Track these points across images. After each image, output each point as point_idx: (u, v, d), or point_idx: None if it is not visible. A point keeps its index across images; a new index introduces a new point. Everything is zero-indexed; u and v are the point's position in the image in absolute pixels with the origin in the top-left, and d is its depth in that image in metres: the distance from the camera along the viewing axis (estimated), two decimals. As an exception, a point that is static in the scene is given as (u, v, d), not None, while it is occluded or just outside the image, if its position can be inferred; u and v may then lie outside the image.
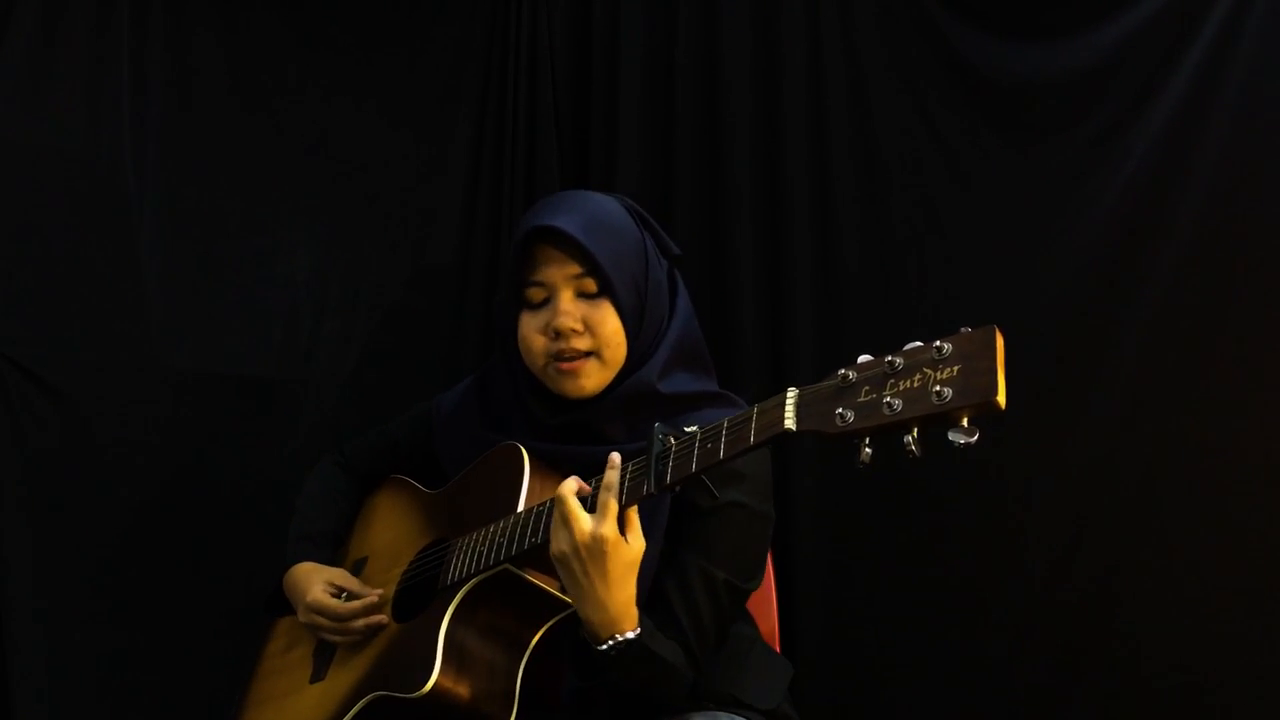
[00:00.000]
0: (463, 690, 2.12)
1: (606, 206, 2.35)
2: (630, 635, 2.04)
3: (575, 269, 2.26)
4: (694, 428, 1.93)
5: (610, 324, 2.25)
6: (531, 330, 2.29)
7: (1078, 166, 2.91)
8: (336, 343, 3.25)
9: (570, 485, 2.03)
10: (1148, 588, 2.80)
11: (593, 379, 2.27)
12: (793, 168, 3.11)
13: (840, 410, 1.70)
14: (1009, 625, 2.90)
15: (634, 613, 2.05)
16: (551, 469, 2.25)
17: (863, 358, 1.75)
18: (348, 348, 3.26)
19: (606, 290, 2.25)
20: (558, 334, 2.25)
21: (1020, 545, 2.90)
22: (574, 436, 2.31)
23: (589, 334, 2.25)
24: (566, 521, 1.99)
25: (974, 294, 2.98)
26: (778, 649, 2.58)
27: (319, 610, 2.37)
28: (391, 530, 2.50)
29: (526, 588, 2.16)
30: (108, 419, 3.08)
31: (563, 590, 2.15)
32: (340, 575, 2.42)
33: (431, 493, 2.48)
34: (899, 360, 1.69)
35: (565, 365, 2.26)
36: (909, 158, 3.06)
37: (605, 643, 2.04)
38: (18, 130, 3.05)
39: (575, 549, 1.98)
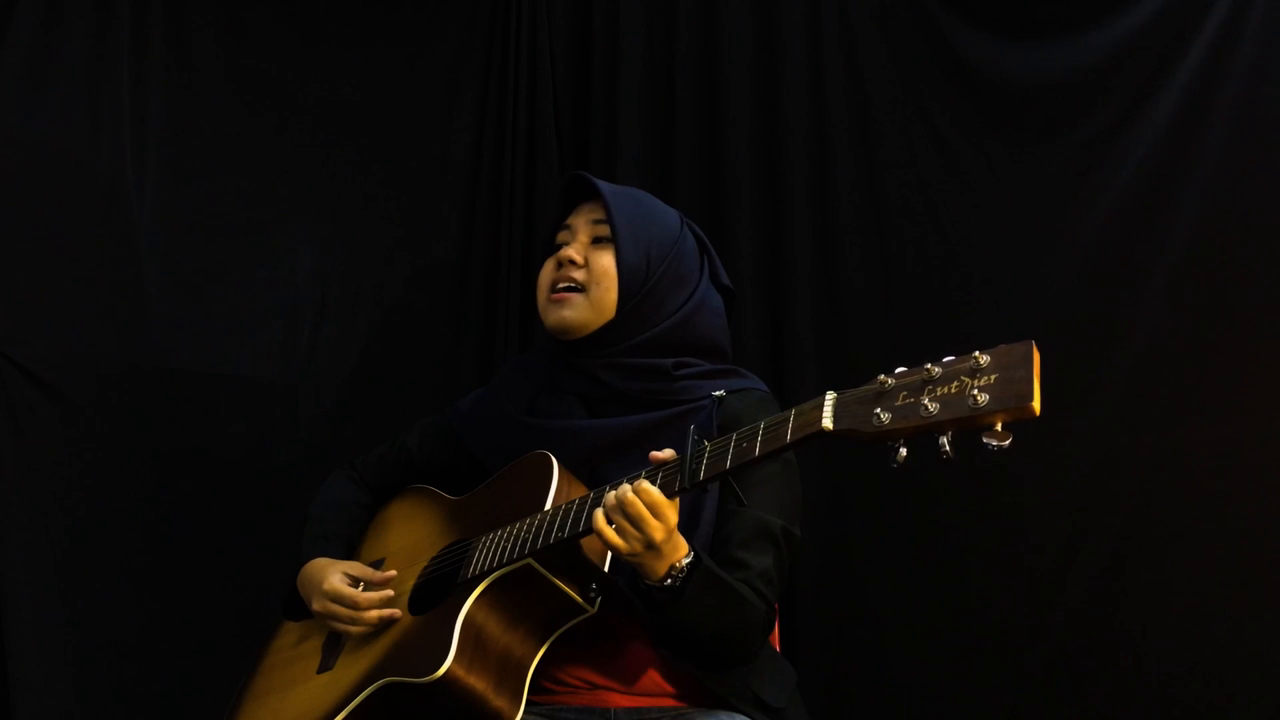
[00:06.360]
0: (474, 680, 2.12)
1: (656, 200, 2.56)
2: (688, 559, 2.09)
3: (597, 214, 2.46)
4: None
5: (605, 264, 2.41)
6: (546, 268, 2.50)
7: (1078, 166, 2.94)
8: (336, 343, 3.26)
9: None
10: (1148, 587, 2.82)
11: (576, 311, 2.40)
12: (792, 167, 3.13)
13: (878, 411, 1.74)
14: (1009, 625, 2.92)
15: (683, 541, 2.10)
16: (578, 475, 2.28)
17: (900, 368, 1.80)
18: (348, 348, 3.27)
19: (614, 238, 2.41)
20: (560, 265, 2.43)
21: (1021, 545, 2.93)
22: (593, 408, 2.41)
23: (586, 270, 2.41)
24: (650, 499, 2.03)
25: (974, 293, 3.00)
26: (778, 649, 2.59)
27: (335, 597, 2.36)
28: (410, 533, 2.50)
29: (548, 588, 2.17)
30: (108, 419, 3.07)
31: (582, 595, 2.18)
32: (357, 567, 2.42)
33: (453, 498, 2.49)
34: (937, 369, 1.75)
35: (555, 295, 2.43)
36: (909, 158, 3.08)
37: (667, 575, 2.08)
38: (18, 130, 3.04)
39: (655, 507, 2.02)
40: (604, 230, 2.43)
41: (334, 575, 2.39)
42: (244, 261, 3.21)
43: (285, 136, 3.27)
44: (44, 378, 3.02)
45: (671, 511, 2.03)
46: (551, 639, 2.22)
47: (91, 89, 3.11)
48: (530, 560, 2.15)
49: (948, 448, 1.70)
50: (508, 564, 2.16)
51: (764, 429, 1.90)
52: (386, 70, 3.33)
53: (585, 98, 3.31)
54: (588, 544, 2.17)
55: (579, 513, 2.11)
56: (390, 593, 2.33)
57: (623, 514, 2.02)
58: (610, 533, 2.04)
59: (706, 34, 3.22)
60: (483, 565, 2.20)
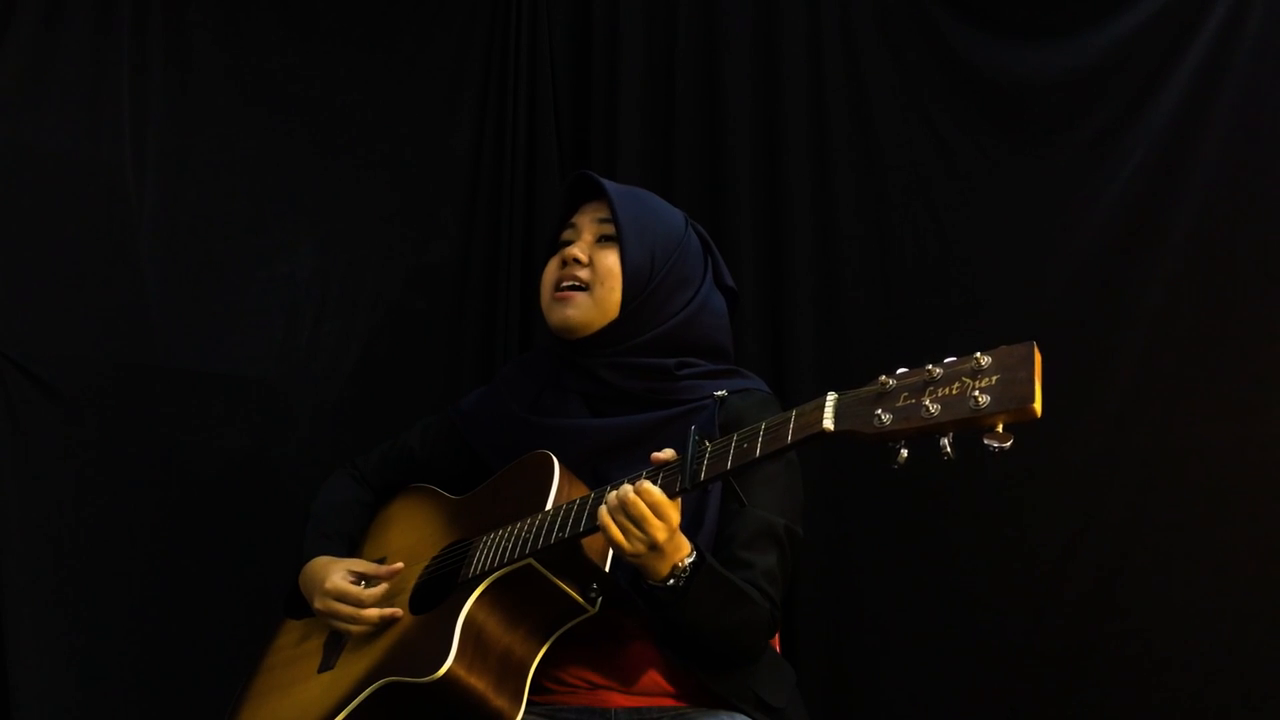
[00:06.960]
0: (475, 680, 2.13)
1: (661, 200, 2.56)
2: (691, 559, 2.09)
3: (602, 213, 2.46)
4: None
5: (609, 263, 2.41)
6: (550, 266, 2.50)
7: (1077, 167, 2.94)
8: (336, 343, 3.26)
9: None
10: (1148, 587, 2.82)
11: (580, 310, 2.41)
12: (793, 168, 3.13)
13: (879, 412, 1.74)
14: (1009, 625, 2.92)
15: (685, 541, 2.10)
16: (580, 474, 2.28)
17: (901, 369, 1.80)
18: (348, 348, 3.26)
19: (619, 238, 2.41)
20: (564, 263, 2.43)
21: (1021, 545, 2.92)
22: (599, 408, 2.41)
23: (591, 269, 2.41)
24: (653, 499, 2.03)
25: (975, 294, 3.00)
26: (778, 649, 2.59)
27: (337, 595, 2.36)
28: (412, 532, 2.50)
29: (549, 588, 2.17)
30: (108, 419, 3.07)
31: (583, 595, 2.18)
32: (360, 564, 2.43)
33: (454, 498, 2.49)
34: (938, 370, 1.75)
35: (559, 294, 2.43)
36: (909, 158, 3.08)
37: (671, 575, 2.08)
38: (18, 130, 3.04)
39: (657, 507, 2.03)
40: (609, 229, 2.44)
41: (336, 573, 2.40)
42: (244, 261, 3.21)
43: (284, 136, 3.27)
44: (44, 378, 3.02)
45: (674, 511, 2.03)
46: (552, 639, 2.22)
47: (91, 89, 3.10)
48: (531, 560, 2.15)
49: (948, 449, 1.70)
50: (508, 564, 2.16)
51: (765, 430, 1.90)
52: (386, 69, 3.33)
53: (585, 98, 3.31)
54: (588, 544, 2.17)
55: (580, 513, 2.11)
56: (395, 573, 2.35)
57: (625, 514, 2.03)
58: (615, 531, 2.04)
59: (706, 34, 3.22)
60: (483, 565, 2.20)
